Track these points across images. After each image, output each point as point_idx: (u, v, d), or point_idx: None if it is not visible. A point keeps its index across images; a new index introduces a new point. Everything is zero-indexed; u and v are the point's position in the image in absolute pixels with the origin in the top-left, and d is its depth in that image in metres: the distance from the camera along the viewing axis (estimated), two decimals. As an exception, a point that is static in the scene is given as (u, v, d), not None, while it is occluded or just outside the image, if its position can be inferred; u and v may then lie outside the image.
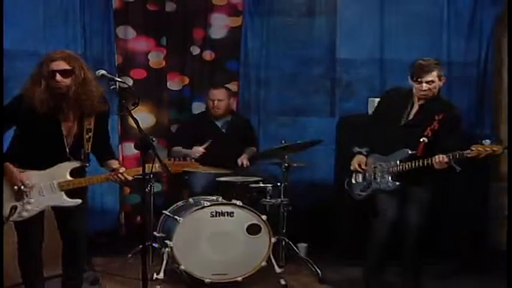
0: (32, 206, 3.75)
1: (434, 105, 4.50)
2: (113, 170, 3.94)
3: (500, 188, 5.88)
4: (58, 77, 3.63)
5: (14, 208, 3.72)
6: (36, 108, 3.62)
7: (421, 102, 4.55)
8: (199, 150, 5.46)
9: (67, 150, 3.80)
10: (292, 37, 6.10)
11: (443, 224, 5.54)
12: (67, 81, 3.65)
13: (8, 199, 3.71)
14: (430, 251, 4.83)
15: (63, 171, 3.80)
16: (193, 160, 4.37)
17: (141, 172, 3.81)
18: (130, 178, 3.91)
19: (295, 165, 5.33)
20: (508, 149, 4.29)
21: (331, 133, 5.90)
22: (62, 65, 3.64)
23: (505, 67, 5.90)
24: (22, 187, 3.70)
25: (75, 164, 3.83)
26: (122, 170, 3.90)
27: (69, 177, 3.81)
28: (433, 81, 4.44)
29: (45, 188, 3.77)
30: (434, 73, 4.43)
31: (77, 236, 3.96)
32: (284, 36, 6.10)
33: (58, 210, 3.93)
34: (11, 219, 3.73)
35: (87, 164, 3.89)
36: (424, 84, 4.43)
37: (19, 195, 3.72)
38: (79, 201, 3.85)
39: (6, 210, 3.71)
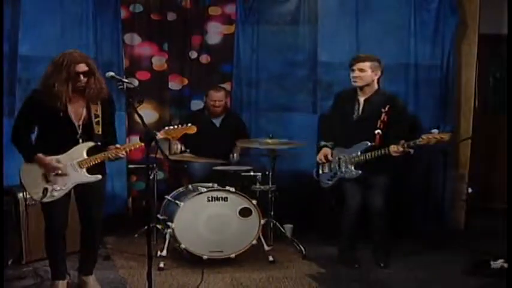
0: (60, 186, 3.78)
1: (378, 99, 4.58)
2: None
3: (459, 174, 5.95)
4: (81, 77, 3.71)
5: (45, 190, 3.75)
6: (53, 99, 3.67)
7: (365, 97, 4.61)
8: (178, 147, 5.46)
9: (79, 133, 3.82)
10: (279, 43, 6.08)
11: (408, 207, 5.58)
12: (86, 79, 3.74)
13: (39, 182, 3.75)
14: (395, 231, 4.89)
15: (80, 151, 3.82)
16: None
17: (133, 147, 3.93)
18: (123, 153, 3.91)
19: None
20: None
21: (313, 128, 5.94)
22: (83, 67, 3.71)
23: (463, 69, 5.97)
24: (58, 172, 3.74)
25: (90, 144, 3.85)
26: (117, 146, 3.93)
27: (86, 156, 3.83)
28: (363, 70, 4.51)
29: (68, 168, 3.79)
30: (366, 63, 4.53)
31: (93, 221, 4.00)
32: (272, 42, 6.09)
33: (79, 197, 3.95)
34: (44, 200, 3.76)
35: (99, 143, 3.90)
36: (355, 71, 4.54)
37: (49, 178, 3.75)
38: (99, 176, 3.89)
39: (39, 193, 3.74)
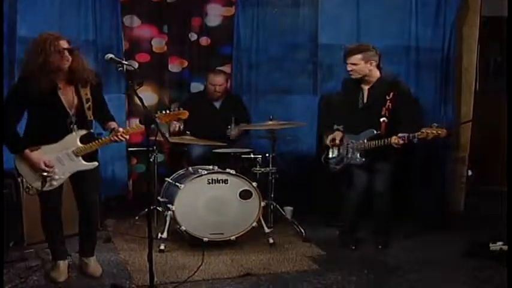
0: (58, 175, 3.79)
1: (382, 87, 4.56)
2: (113, 130, 3.92)
3: (459, 157, 5.96)
4: (66, 53, 3.68)
5: (44, 179, 3.74)
6: (40, 85, 3.62)
7: (368, 86, 4.61)
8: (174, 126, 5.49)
9: (72, 121, 3.80)
10: (279, 25, 6.07)
11: (408, 189, 5.60)
12: (70, 57, 3.70)
13: (35, 172, 3.74)
14: (395, 212, 4.92)
15: (74, 139, 3.81)
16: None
17: (136, 129, 3.88)
18: (127, 137, 3.89)
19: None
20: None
21: (313, 110, 5.95)
22: (66, 44, 3.69)
23: (465, 52, 5.97)
24: (46, 173, 3.72)
25: (83, 132, 3.83)
26: (120, 130, 3.88)
27: (80, 144, 3.82)
28: (356, 64, 4.50)
29: (64, 158, 3.80)
30: (358, 56, 4.49)
31: (90, 205, 4.02)
32: (272, 24, 6.08)
33: (75, 182, 3.96)
34: (44, 189, 3.76)
35: (92, 130, 3.90)
36: (349, 65, 4.53)
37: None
38: (96, 163, 3.89)
39: (38, 183, 3.75)
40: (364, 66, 4.52)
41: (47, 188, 3.78)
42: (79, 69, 3.76)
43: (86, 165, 3.86)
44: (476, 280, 4.15)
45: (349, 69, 4.55)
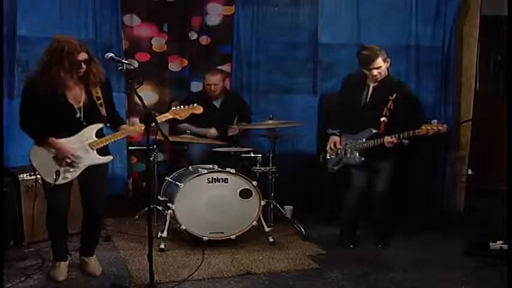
0: (73, 168, 3.78)
1: (386, 87, 4.56)
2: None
3: (458, 156, 5.96)
4: (82, 65, 3.69)
5: (58, 172, 3.74)
6: (53, 87, 3.64)
7: (374, 85, 4.60)
8: (213, 132, 5.57)
9: (80, 116, 3.79)
10: (279, 24, 6.07)
11: (408, 189, 5.60)
12: (85, 66, 3.72)
13: (51, 165, 3.74)
14: (395, 212, 4.92)
15: (90, 133, 3.82)
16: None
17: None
18: (143, 127, 3.82)
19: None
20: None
21: (313, 109, 5.94)
22: (84, 56, 3.69)
23: (465, 51, 5.96)
24: (73, 159, 3.73)
25: (99, 126, 3.85)
26: (135, 124, 3.92)
27: (95, 138, 3.83)
28: (380, 67, 4.50)
29: (80, 151, 3.79)
30: (379, 59, 4.49)
31: (97, 203, 4.01)
32: (272, 23, 6.07)
33: (84, 179, 3.93)
34: (57, 182, 3.75)
35: (108, 125, 3.91)
36: (374, 71, 4.49)
37: (60, 160, 3.74)
38: (111, 157, 3.92)
39: (52, 176, 3.74)
40: (385, 67, 4.55)
41: (61, 181, 3.76)
42: (93, 75, 3.77)
43: (100, 158, 3.87)
44: (476, 279, 4.15)
45: (374, 74, 4.52)
